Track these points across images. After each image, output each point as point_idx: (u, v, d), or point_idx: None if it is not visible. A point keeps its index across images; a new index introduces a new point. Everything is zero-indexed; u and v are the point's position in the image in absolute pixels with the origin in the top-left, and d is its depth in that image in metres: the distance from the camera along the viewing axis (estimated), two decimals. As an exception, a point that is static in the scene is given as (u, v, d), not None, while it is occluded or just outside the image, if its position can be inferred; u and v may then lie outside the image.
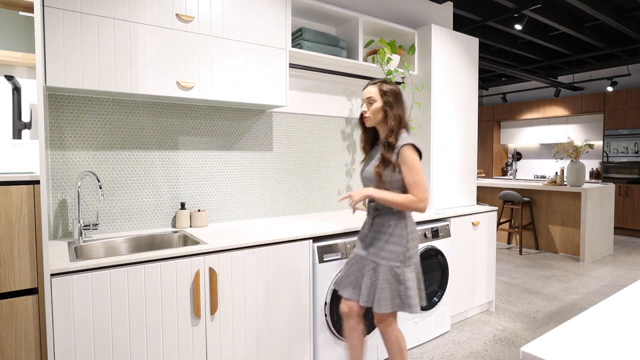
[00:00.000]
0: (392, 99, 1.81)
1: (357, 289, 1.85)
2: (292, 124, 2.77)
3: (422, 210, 1.74)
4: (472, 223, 3.03)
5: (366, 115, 1.84)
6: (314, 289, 2.15)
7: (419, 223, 2.68)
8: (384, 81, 1.87)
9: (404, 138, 1.78)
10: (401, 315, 2.53)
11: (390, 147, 1.78)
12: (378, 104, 1.81)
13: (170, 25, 1.95)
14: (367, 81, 3.07)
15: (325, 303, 2.15)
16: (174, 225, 2.30)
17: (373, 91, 1.83)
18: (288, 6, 2.34)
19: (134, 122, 2.17)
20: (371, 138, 1.95)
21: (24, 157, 1.72)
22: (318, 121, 2.90)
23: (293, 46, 2.51)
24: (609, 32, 5.49)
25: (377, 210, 1.85)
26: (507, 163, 8.46)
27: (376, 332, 2.37)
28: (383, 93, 1.81)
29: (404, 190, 1.78)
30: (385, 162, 1.77)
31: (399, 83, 3.08)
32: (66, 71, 1.70)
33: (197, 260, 1.76)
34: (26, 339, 1.53)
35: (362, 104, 1.88)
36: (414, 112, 3.05)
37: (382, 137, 1.84)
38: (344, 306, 1.92)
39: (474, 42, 3.27)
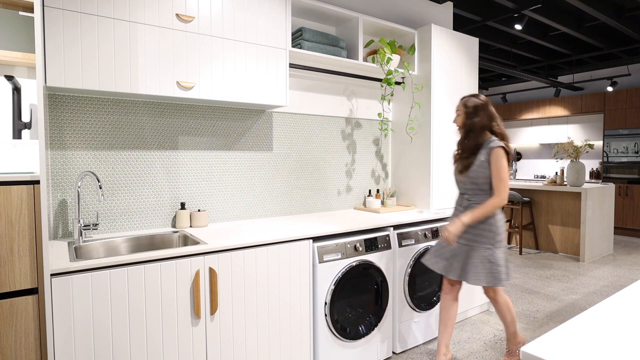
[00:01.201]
0: (472, 110, 2.15)
1: (451, 268, 2.20)
2: (292, 124, 2.77)
3: (502, 204, 2.10)
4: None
5: (455, 121, 2.23)
6: (314, 289, 2.15)
7: (419, 223, 2.68)
8: (472, 95, 2.22)
9: (494, 141, 2.11)
10: (401, 316, 2.53)
11: (476, 150, 2.13)
12: (461, 116, 2.20)
13: (170, 25, 1.95)
14: (366, 81, 3.08)
15: (325, 303, 2.15)
16: (174, 225, 2.30)
17: (458, 105, 2.23)
18: (288, 6, 2.34)
19: (134, 122, 2.17)
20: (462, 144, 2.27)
21: (24, 157, 1.72)
22: (318, 121, 2.90)
23: (293, 46, 2.51)
24: (609, 32, 5.49)
25: (470, 201, 2.20)
26: (507, 163, 8.45)
27: (377, 332, 2.37)
28: (465, 106, 2.18)
29: (490, 186, 2.12)
30: (464, 165, 2.16)
31: (398, 83, 3.08)
32: (66, 71, 1.70)
33: (197, 260, 1.76)
34: (26, 339, 1.53)
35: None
36: (414, 112, 3.05)
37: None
38: (445, 281, 2.35)
39: (474, 42, 3.27)
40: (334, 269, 2.18)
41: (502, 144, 2.10)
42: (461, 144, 2.24)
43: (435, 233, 2.70)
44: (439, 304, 2.73)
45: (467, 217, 2.10)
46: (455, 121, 2.25)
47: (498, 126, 2.16)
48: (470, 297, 3.07)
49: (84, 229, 1.92)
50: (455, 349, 2.62)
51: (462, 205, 2.24)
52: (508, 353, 2.39)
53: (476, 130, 2.15)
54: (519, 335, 2.36)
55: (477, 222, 2.13)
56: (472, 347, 2.66)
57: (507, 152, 2.10)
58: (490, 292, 2.28)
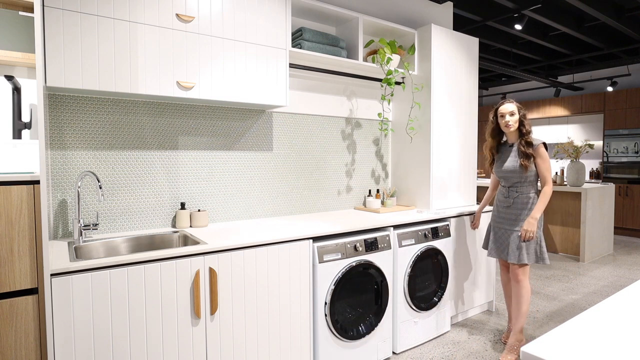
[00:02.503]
0: (523, 111, 2.49)
1: (505, 251, 2.51)
2: (292, 124, 2.77)
3: (551, 191, 2.42)
4: (472, 223, 3.03)
5: (510, 124, 2.44)
6: (314, 289, 2.15)
7: (419, 223, 2.68)
8: (508, 99, 2.53)
9: (536, 139, 2.46)
10: (401, 316, 2.53)
11: (529, 145, 2.43)
12: (516, 116, 2.46)
13: (170, 25, 1.95)
14: (366, 81, 3.08)
15: (325, 303, 2.15)
16: (174, 225, 2.30)
17: (512, 107, 2.47)
18: (288, 6, 2.34)
19: (134, 122, 2.17)
20: (498, 143, 2.60)
21: (24, 157, 1.72)
22: (318, 121, 2.90)
23: (293, 46, 2.51)
24: (609, 32, 5.49)
25: (518, 193, 2.48)
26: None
27: (377, 332, 2.37)
28: (519, 108, 2.48)
29: (534, 178, 2.47)
30: (527, 157, 2.41)
31: (398, 83, 3.08)
32: (66, 71, 1.70)
33: (197, 260, 1.76)
34: (26, 339, 1.53)
35: (494, 118, 2.55)
36: (414, 112, 3.05)
37: (515, 140, 2.51)
38: (502, 264, 2.70)
39: (474, 42, 3.26)
40: (334, 269, 2.18)
41: (542, 140, 2.46)
42: (523, 141, 2.46)
43: (435, 233, 2.70)
44: (438, 304, 2.73)
45: (536, 212, 2.39)
46: (510, 124, 2.45)
47: (530, 124, 2.50)
48: (471, 298, 3.07)
49: (84, 229, 1.92)
50: (455, 349, 2.62)
51: (510, 197, 2.51)
52: (509, 349, 2.43)
53: (529, 130, 2.46)
54: (523, 332, 2.53)
55: (526, 210, 2.45)
56: (472, 347, 2.66)
57: (546, 147, 2.46)
58: (520, 274, 2.46)
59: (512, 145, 2.53)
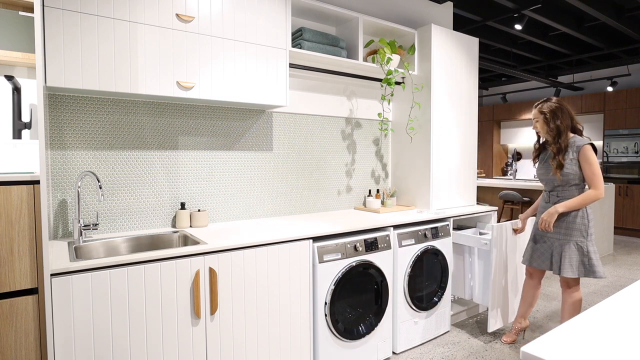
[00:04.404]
0: (549, 115, 2.33)
1: (547, 261, 2.39)
2: (292, 124, 2.77)
3: (600, 197, 2.26)
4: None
5: (537, 129, 2.41)
6: (314, 289, 2.15)
7: (419, 223, 2.68)
8: (545, 100, 2.40)
9: (580, 139, 2.29)
10: (401, 316, 2.53)
11: (560, 151, 2.29)
12: (540, 122, 2.37)
13: (170, 25, 1.95)
14: (366, 81, 3.08)
15: (325, 303, 2.15)
16: (174, 225, 2.30)
17: (534, 112, 2.41)
18: (288, 6, 2.34)
19: (134, 122, 2.17)
20: (540, 147, 2.51)
21: (24, 157, 1.72)
22: (318, 121, 2.90)
23: (293, 46, 2.51)
24: (609, 32, 5.49)
25: (559, 197, 2.36)
26: (507, 163, 8.46)
27: (377, 332, 2.37)
28: (541, 112, 2.36)
29: (578, 181, 2.30)
30: (558, 164, 2.29)
31: (398, 83, 3.08)
32: (66, 71, 1.70)
33: (197, 260, 1.76)
34: (26, 339, 1.53)
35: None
36: (414, 112, 3.05)
37: (551, 144, 2.36)
38: (530, 270, 2.58)
39: (474, 42, 3.27)
40: (334, 269, 2.18)
41: (589, 141, 2.28)
42: (551, 145, 2.36)
43: (435, 233, 2.70)
44: (438, 304, 2.73)
45: (561, 206, 2.28)
46: (535, 128, 2.42)
47: (578, 123, 2.37)
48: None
49: (84, 229, 1.92)
50: (455, 349, 2.62)
51: (551, 201, 2.40)
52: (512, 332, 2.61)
53: (564, 132, 2.31)
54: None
55: (571, 217, 2.31)
56: (472, 347, 2.66)
57: (595, 148, 2.29)
58: (572, 285, 2.36)
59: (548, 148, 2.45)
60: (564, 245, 2.32)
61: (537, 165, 2.53)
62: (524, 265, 2.74)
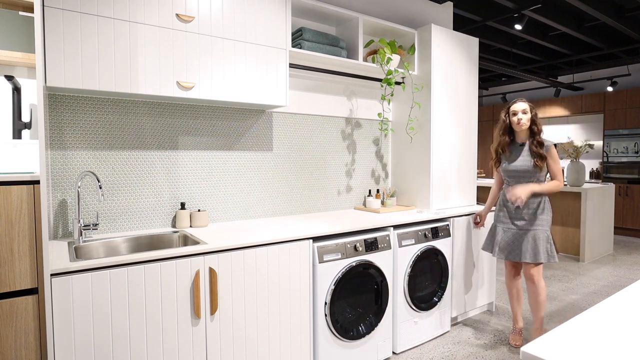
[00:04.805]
0: (535, 111, 2.55)
1: (517, 252, 2.52)
2: (292, 124, 2.77)
3: (561, 187, 2.49)
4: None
5: (523, 122, 2.48)
6: (314, 289, 2.15)
7: (419, 223, 2.68)
8: (521, 99, 2.56)
9: (547, 140, 2.50)
10: (401, 316, 2.53)
11: (541, 145, 2.48)
12: (529, 115, 2.50)
13: (170, 25, 1.95)
14: (366, 81, 3.08)
15: (325, 303, 2.15)
16: (174, 225, 2.30)
17: (525, 106, 2.52)
18: (288, 6, 2.34)
19: (134, 122, 2.17)
20: (508, 142, 2.60)
21: (24, 157, 1.72)
22: (318, 121, 2.90)
23: (293, 46, 2.51)
24: (609, 32, 5.49)
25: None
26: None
27: (377, 332, 2.37)
28: (531, 107, 2.53)
29: (544, 177, 2.53)
30: (541, 157, 2.46)
31: (398, 83, 3.08)
32: (66, 71, 1.70)
33: (197, 260, 1.76)
34: (26, 339, 1.53)
35: (506, 116, 2.57)
36: (414, 112, 3.05)
37: (525, 139, 2.54)
38: (508, 265, 2.72)
39: (474, 42, 3.26)
40: (334, 269, 2.18)
41: (553, 141, 2.52)
42: (533, 139, 2.51)
43: (435, 233, 2.70)
44: (438, 304, 2.73)
45: (537, 187, 2.45)
46: (522, 122, 2.49)
47: (541, 124, 2.55)
48: (471, 297, 3.07)
49: (84, 229, 1.92)
50: (455, 349, 2.62)
51: None
52: (515, 333, 2.68)
53: (540, 130, 2.51)
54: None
55: (540, 209, 2.49)
56: (472, 347, 2.66)
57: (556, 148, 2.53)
58: (536, 274, 2.52)
59: (522, 145, 2.55)
60: (536, 234, 2.47)
61: (504, 162, 2.60)
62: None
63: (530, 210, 2.50)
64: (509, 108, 2.57)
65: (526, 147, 2.52)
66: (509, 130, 2.59)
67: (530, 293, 2.57)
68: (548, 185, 2.47)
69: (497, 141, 2.63)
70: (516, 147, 2.57)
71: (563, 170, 5.28)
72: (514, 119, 2.52)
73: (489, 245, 2.72)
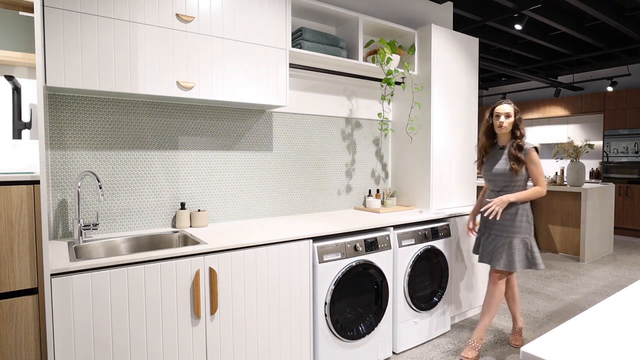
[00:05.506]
0: (519, 114, 2.44)
1: (493, 257, 2.43)
2: (292, 124, 2.77)
3: (544, 194, 2.40)
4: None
5: (504, 125, 2.40)
6: (314, 289, 2.15)
7: (419, 223, 2.68)
8: (506, 100, 2.47)
9: (528, 143, 2.41)
10: (401, 316, 2.53)
11: (520, 148, 2.38)
12: (512, 118, 2.41)
13: (170, 25, 1.95)
14: (366, 81, 3.08)
15: (325, 303, 2.15)
16: (174, 225, 2.30)
17: (509, 109, 2.42)
18: (288, 6, 2.34)
19: (134, 122, 2.17)
20: (490, 144, 2.54)
21: (24, 157, 1.72)
22: (318, 121, 2.90)
23: (293, 46, 2.51)
24: (609, 32, 5.49)
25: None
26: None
27: (377, 332, 2.37)
28: (516, 111, 2.43)
29: (524, 182, 2.43)
30: (519, 161, 2.36)
31: (398, 83, 3.08)
32: (66, 71, 1.70)
33: (197, 260, 1.76)
34: (26, 339, 1.53)
35: (490, 117, 2.48)
36: (414, 112, 3.05)
37: (507, 143, 2.46)
38: (492, 272, 2.54)
39: (474, 42, 3.26)
40: (334, 269, 2.18)
41: (534, 145, 2.41)
42: (513, 143, 2.41)
43: (435, 233, 2.70)
44: (438, 304, 2.73)
45: (512, 197, 2.36)
46: (504, 125, 2.40)
47: (524, 129, 2.46)
48: (471, 298, 3.07)
49: (84, 229, 1.92)
50: (455, 349, 2.62)
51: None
52: (471, 347, 2.45)
53: (522, 134, 2.42)
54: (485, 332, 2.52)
55: (518, 216, 2.38)
56: (472, 347, 2.65)
57: (538, 151, 2.42)
58: (498, 278, 2.45)
59: (502, 148, 2.47)
60: (512, 241, 2.38)
61: (485, 164, 2.54)
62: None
63: (508, 216, 2.40)
64: (493, 109, 2.48)
65: (506, 151, 2.44)
66: (491, 132, 2.51)
67: (487, 293, 2.50)
68: (526, 193, 2.37)
69: (481, 142, 2.57)
70: (497, 150, 2.50)
71: (563, 170, 5.30)
72: (496, 121, 2.43)
73: (476, 248, 2.66)
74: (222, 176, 2.47)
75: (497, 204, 2.34)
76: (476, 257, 3.08)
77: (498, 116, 2.43)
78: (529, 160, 2.38)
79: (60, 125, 1.97)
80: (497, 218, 2.36)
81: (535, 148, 2.40)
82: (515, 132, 2.42)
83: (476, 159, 2.63)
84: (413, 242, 2.57)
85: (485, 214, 2.39)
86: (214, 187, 2.44)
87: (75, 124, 2.01)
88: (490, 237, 2.48)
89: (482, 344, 2.46)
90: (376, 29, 2.99)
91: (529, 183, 2.45)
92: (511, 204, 2.39)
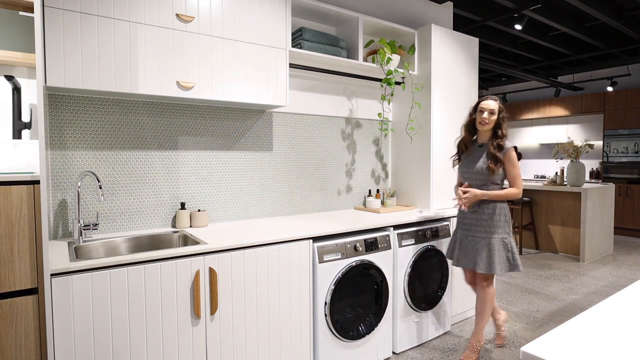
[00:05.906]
0: (504, 113, 2.35)
1: (472, 261, 2.36)
2: (292, 124, 2.77)
3: (519, 196, 2.33)
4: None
5: (486, 122, 2.31)
6: (314, 289, 2.15)
7: (419, 223, 2.68)
8: (492, 97, 2.38)
9: (508, 142, 2.34)
10: (401, 316, 2.53)
11: (499, 148, 2.30)
12: (495, 115, 2.33)
13: (171, 25, 1.95)
14: (366, 81, 3.08)
15: (326, 303, 2.15)
16: (174, 225, 2.30)
17: (494, 105, 2.33)
18: (288, 6, 2.34)
19: (134, 122, 2.17)
20: (470, 140, 2.45)
21: (24, 157, 1.72)
22: (318, 121, 2.90)
23: (293, 46, 2.51)
24: (609, 32, 5.49)
25: (483, 200, 2.34)
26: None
27: (377, 332, 2.37)
28: (500, 109, 2.35)
29: (501, 182, 2.35)
30: (496, 160, 2.29)
31: (398, 83, 3.08)
32: (66, 71, 1.70)
33: (197, 260, 1.76)
34: (26, 339, 1.53)
35: (473, 111, 2.40)
36: (414, 112, 3.05)
37: (487, 141, 2.37)
38: (468, 275, 2.59)
39: (474, 42, 3.26)
40: (334, 269, 2.18)
41: (513, 144, 2.34)
42: (494, 142, 2.33)
43: (435, 233, 2.70)
44: (438, 304, 2.73)
45: (485, 195, 2.29)
46: (486, 121, 2.31)
47: (506, 129, 2.39)
48: (471, 297, 3.06)
49: (84, 229, 1.92)
50: (455, 349, 2.62)
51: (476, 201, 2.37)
52: (471, 349, 2.43)
53: (504, 134, 2.34)
54: (483, 333, 2.50)
55: (496, 215, 2.32)
56: (472, 347, 2.65)
57: (517, 152, 2.34)
58: (485, 281, 2.39)
59: (481, 146, 2.38)
60: (491, 242, 2.31)
61: (463, 161, 2.45)
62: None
63: (485, 216, 2.33)
64: (478, 103, 2.38)
65: (484, 149, 2.36)
66: (473, 127, 2.41)
67: (477, 298, 2.45)
68: (500, 192, 2.29)
69: (461, 137, 2.49)
70: (475, 148, 2.40)
71: (563, 170, 5.30)
72: (479, 117, 2.33)
73: (451, 252, 2.54)
74: (222, 176, 2.47)
75: (469, 196, 2.29)
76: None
77: (482, 112, 2.33)
78: (507, 160, 2.30)
79: (60, 125, 1.97)
80: (464, 209, 2.33)
81: (515, 148, 2.33)
82: (497, 131, 2.33)
83: (453, 155, 2.52)
84: (413, 242, 2.57)
85: (458, 200, 2.34)
86: (214, 187, 2.44)
87: (75, 124, 2.01)
88: (467, 240, 2.40)
89: (481, 346, 2.45)
90: (376, 29, 2.98)
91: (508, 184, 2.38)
92: (487, 202, 2.33)
